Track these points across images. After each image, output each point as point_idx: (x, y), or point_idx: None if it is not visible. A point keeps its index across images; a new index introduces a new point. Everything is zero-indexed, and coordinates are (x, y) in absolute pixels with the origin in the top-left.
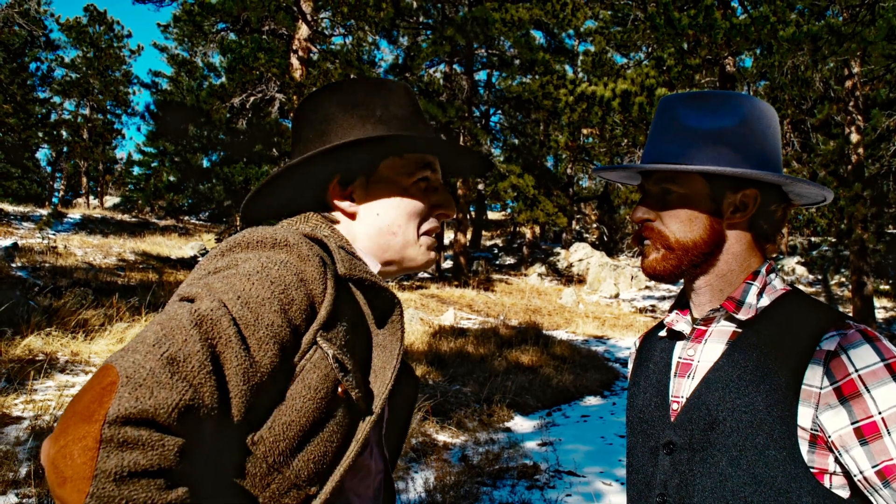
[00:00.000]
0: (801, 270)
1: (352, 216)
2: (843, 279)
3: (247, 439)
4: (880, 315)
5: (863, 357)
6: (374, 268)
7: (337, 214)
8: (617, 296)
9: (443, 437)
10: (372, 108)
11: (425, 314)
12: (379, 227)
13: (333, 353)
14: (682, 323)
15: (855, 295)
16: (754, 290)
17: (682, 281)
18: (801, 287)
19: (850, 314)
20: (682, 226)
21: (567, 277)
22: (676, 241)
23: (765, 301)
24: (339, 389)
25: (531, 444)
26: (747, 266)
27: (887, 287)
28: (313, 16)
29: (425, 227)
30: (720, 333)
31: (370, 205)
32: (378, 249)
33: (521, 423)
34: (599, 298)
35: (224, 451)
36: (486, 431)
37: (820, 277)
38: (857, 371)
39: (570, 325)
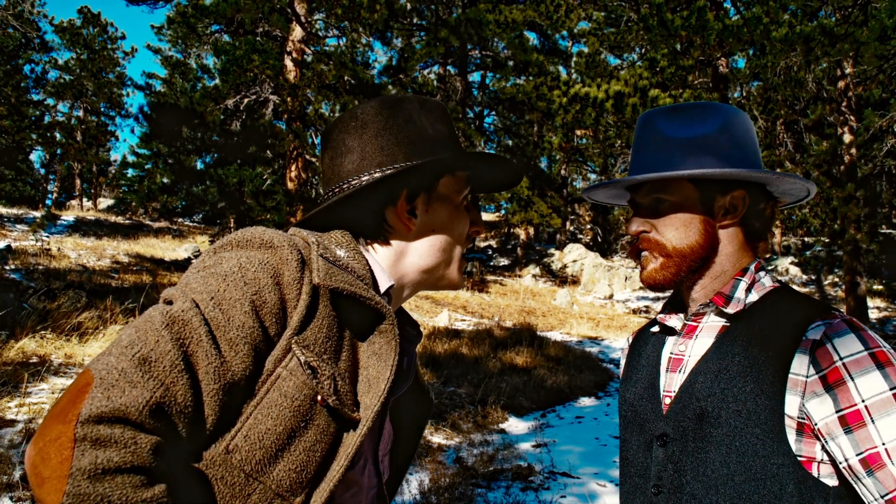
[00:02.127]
0: (794, 271)
1: (409, 232)
2: (836, 279)
3: (221, 447)
4: (874, 315)
5: (847, 346)
6: (409, 283)
7: (389, 239)
8: (611, 297)
9: (437, 438)
10: (423, 125)
11: (419, 315)
12: (431, 245)
13: (305, 359)
14: (674, 319)
15: (848, 295)
16: (743, 285)
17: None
18: (794, 287)
19: (837, 308)
20: (677, 232)
21: (561, 278)
22: (674, 248)
23: (753, 296)
24: (319, 397)
25: (525, 446)
26: (739, 266)
27: (881, 287)
28: (307, 17)
29: (466, 246)
30: (710, 328)
31: (427, 222)
32: (425, 266)
33: (515, 425)
34: (594, 299)
35: (201, 460)
36: (480, 433)
37: (814, 278)
38: (841, 359)
39: (564, 327)
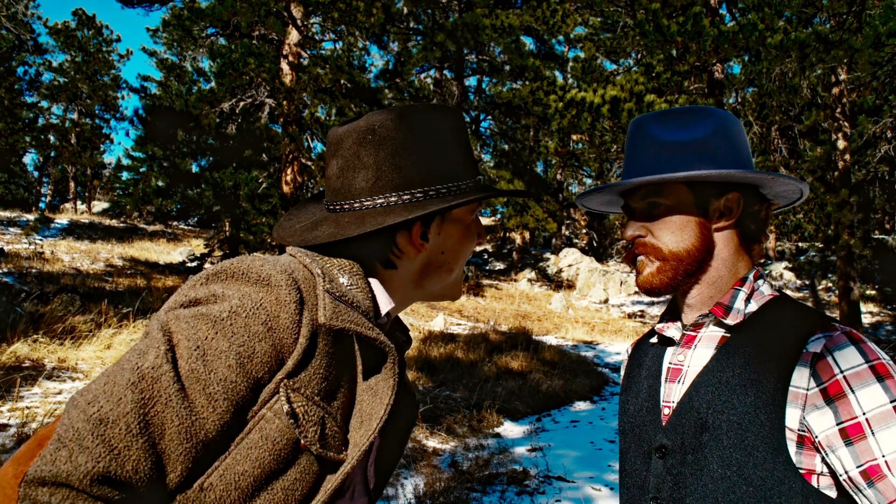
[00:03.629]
0: (788, 276)
1: (419, 255)
2: (830, 284)
3: (196, 484)
4: (867, 320)
5: (848, 358)
6: (412, 299)
7: (395, 261)
8: (606, 301)
9: (432, 442)
10: (442, 143)
11: (415, 320)
12: (440, 265)
13: (288, 409)
14: (672, 329)
15: (842, 300)
16: (742, 295)
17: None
18: (788, 292)
19: (837, 319)
20: (673, 236)
21: (557, 283)
22: (670, 252)
23: (752, 306)
24: (302, 441)
25: (521, 450)
26: (735, 272)
27: (874, 292)
28: (304, 21)
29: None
30: (709, 339)
31: (438, 245)
32: (430, 284)
33: (510, 429)
34: (589, 304)
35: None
36: (475, 437)
37: (807, 283)
38: (842, 372)
39: (559, 331)
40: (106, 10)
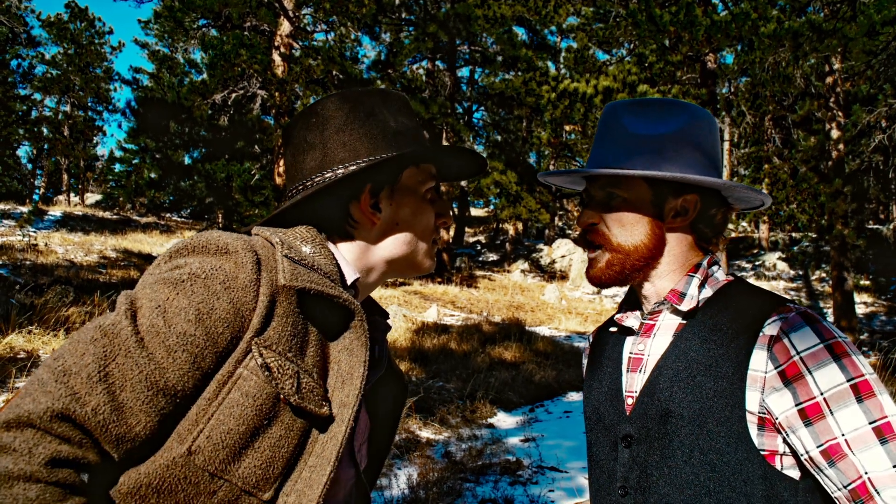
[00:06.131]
0: (782, 266)
1: (374, 227)
2: (823, 275)
3: (183, 448)
4: (861, 310)
5: (804, 339)
6: (376, 274)
7: (354, 233)
8: (599, 292)
9: (426, 433)
10: (385, 118)
11: (408, 311)
12: (396, 238)
13: (262, 362)
14: (631, 318)
15: (835, 290)
16: (696, 281)
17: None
18: (782, 283)
19: (831, 309)
20: (623, 230)
21: (550, 273)
22: (619, 245)
23: (707, 292)
24: (282, 396)
25: (514, 440)
26: (689, 263)
27: (867, 282)
28: (295, 12)
29: (433, 236)
30: (667, 327)
31: (391, 216)
32: (391, 258)
33: (504, 419)
34: (582, 294)
35: (156, 466)
36: (469, 427)
37: (801, 273)
38: (798, 353)
39: (552, 322)
40: (98, 2)
